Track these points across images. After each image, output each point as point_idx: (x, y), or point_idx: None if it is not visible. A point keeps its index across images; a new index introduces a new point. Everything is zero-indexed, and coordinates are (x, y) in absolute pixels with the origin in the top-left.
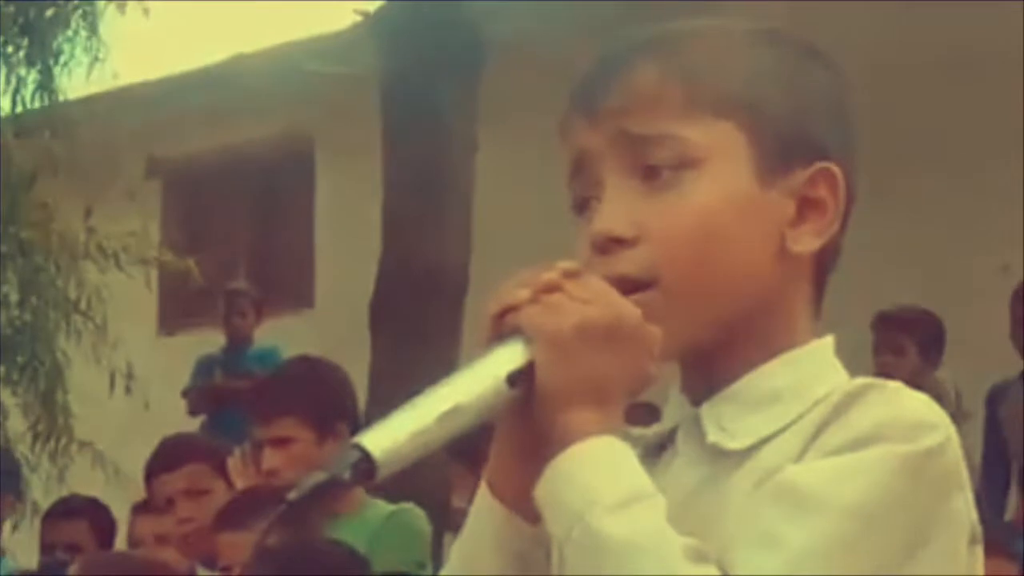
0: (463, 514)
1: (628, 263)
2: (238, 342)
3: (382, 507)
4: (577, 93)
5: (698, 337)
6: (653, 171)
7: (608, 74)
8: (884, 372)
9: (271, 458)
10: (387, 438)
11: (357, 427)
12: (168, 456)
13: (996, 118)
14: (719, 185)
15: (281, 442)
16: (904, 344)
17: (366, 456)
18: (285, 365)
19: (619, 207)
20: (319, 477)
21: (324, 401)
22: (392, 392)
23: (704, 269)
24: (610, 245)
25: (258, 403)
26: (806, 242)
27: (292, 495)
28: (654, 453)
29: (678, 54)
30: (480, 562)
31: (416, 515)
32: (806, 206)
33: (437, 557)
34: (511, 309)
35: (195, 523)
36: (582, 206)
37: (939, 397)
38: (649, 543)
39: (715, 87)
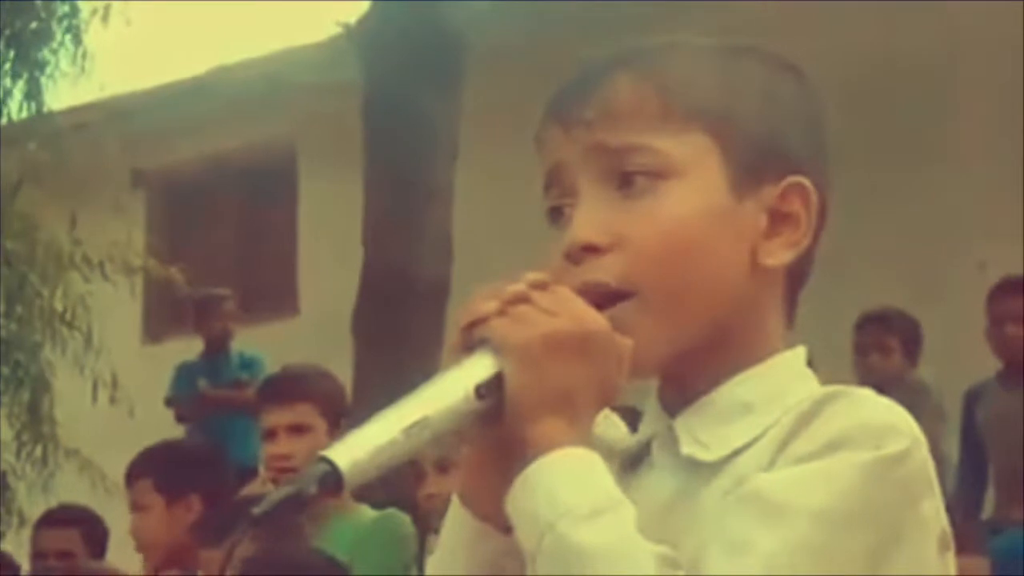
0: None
1: (601, 271)
2: (216, 348)
3: (368, 512)
4: (553, 105)
5: (672, 349)
6: (627, 179)
7: (584, 86)
8: (871, 372)
9: (286, 444)
10: (354, 451)
11: None
12: (128, 471)
13: (973, 117)
14: (693, 196)
15: (296, 429)
16: (890, 344)
17: (333, 469)
18: (291, 366)
19: (593, 215)
20: (285, 491)
21: (335, 396)
22: (375, 399)
23: (677, 279)
24: (583, 254)
25: (275, 390)
26: (778, 255)
27: (257, 510)
28: (632, 464)
29: (654, 67)
30: (455, 573)
31: (401, 520)
32: (779, 219)
33: (420, 560)
34: (479, 321)
35: (144, 540)
36: (555, 215)
37: (923, 397)
38: (619, 552)
39: (690, 99)
